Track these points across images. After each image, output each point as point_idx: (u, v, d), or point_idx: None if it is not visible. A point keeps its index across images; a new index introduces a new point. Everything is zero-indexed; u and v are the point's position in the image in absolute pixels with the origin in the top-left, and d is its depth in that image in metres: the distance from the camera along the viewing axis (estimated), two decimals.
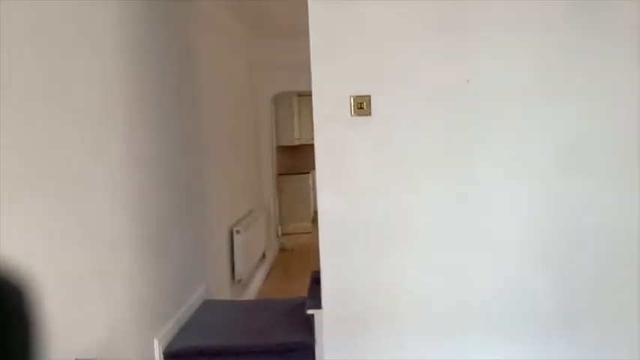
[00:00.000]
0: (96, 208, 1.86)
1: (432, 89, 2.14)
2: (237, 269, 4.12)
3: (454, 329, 2.18)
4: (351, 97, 2.15)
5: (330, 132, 2.17)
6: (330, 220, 2.19)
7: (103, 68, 1.97)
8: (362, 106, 2.16)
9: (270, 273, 5.64)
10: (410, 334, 2.20)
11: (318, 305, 2.27)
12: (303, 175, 7.87)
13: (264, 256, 5.39)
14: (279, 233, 6.82)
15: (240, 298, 4.20)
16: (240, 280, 4.16)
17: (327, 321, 2.24)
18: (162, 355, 2.35)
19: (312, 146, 2.24)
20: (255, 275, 4.93)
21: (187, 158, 3.04)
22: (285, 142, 7.69)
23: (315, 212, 2.80)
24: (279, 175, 7.12)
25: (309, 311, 2.32)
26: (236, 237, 4.10)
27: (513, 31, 2.11)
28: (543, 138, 2.14)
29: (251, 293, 4.62)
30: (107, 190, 1.96)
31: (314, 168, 2.23)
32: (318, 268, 2.25)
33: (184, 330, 2.59)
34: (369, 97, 2.15)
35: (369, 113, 2.16)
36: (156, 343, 2.32)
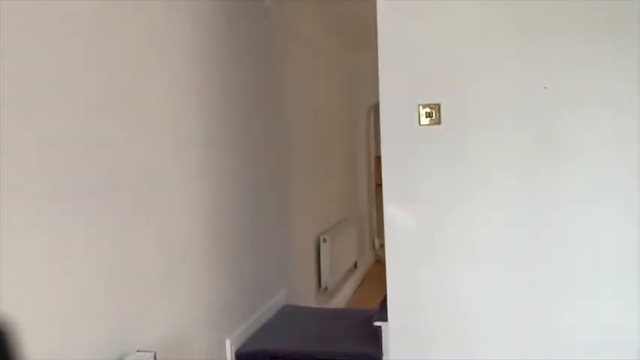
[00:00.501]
0: (168, 215, 1.99)
1: (506, 97, 2.02)
2: (323, 277, 4.16)
3: (523, 347, 2.04)
4: (419, 105, 2.10)
5: (398, 142, 2.13)
6: (396, 232, 2.15)
7: (175, 74, 2.10)
8: (431, 114, 2.10)
9: (362, 284, 5.62)
10: (477, 349, 2.09)
11: (385, 317, 2.24)
12: None
13: (355, 266, 5.39)
14: (376, 244, 6.78)
15: (325, 307, 4.23)
16: (326, 289, 4.20)
17: (392, 333, 2.20)
18: (233, 356, 2.44)
19: None
20: (345, 285, 4.95)
21: (270, 168, 3.14)
22: None
23: None
24: (378, 185, 7.08)
25: (376, 323, 2.29)
26: (323, 245, 4.15)
27: (595, 34, 1.94)
28: (629, 154, 1.93)
29: (338, 302, 4.63)
30: (181, 198, 2.09)
31: None
32: None
33: (259, 333, 2.67)
34: (438, 105, 2.09)
35: (438, 122, 2.10)
36: (228, 343, 2.42)
